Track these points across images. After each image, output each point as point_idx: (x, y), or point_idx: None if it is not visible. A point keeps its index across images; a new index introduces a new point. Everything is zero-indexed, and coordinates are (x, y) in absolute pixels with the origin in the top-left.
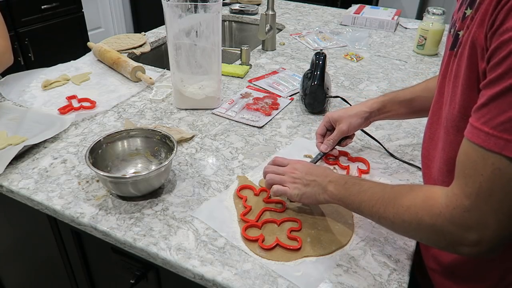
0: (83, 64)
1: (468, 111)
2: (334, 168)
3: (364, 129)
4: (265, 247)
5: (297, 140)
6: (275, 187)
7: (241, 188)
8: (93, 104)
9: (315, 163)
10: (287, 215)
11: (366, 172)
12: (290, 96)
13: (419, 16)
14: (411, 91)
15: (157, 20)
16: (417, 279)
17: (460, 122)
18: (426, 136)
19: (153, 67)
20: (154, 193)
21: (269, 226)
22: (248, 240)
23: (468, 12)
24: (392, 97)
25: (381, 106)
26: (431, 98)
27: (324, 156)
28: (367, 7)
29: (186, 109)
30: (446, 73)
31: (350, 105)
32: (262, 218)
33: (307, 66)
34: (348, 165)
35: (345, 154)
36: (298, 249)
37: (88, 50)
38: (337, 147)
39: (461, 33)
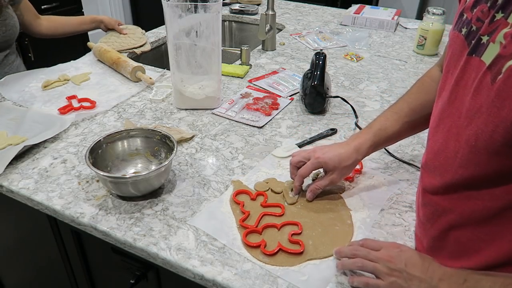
0: (83, 64)
1: None
2: None
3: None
4: (267, 253)
5: (287, 142)
6: (364, 279)
7: (237, 193)
8: (93, 104)
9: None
10: (287, 219)
11: (359, 171)
12: (290, 96)
13: (419, 16)
14: (398, 120)
15: (157, 20)
16: None
17: (503, 148)
18: (431, 146)
19: (153, 67)
20: (154, 193)
21: (269, 231)
22: (249, 246)
23: (499, 16)
24: (380, 135)
25: (372, 149)
26: (425, 116)
27: None
28: (367, 7)
29: (186, 109)
30: (465, 83)
31: (350, 105)
32: (262, 223)
33: (307, 66)
34: None
35: None
36: (301, 253)
37: (88, 50)
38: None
39: (485, 38)
